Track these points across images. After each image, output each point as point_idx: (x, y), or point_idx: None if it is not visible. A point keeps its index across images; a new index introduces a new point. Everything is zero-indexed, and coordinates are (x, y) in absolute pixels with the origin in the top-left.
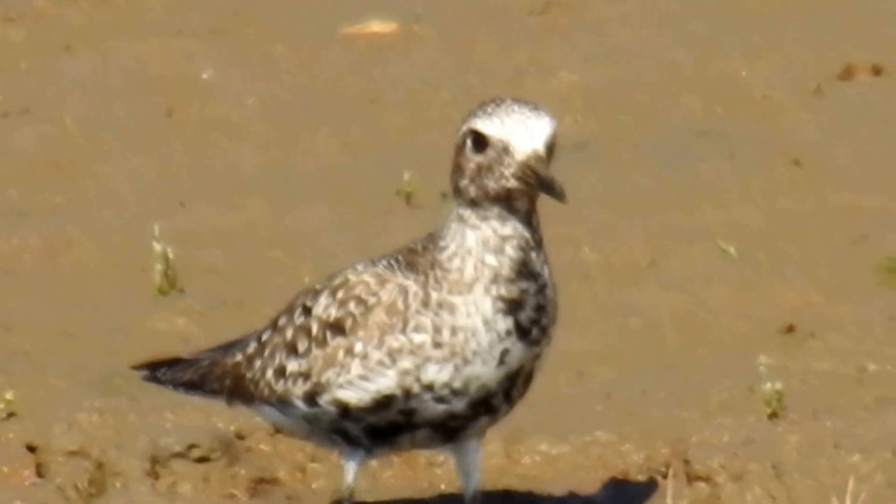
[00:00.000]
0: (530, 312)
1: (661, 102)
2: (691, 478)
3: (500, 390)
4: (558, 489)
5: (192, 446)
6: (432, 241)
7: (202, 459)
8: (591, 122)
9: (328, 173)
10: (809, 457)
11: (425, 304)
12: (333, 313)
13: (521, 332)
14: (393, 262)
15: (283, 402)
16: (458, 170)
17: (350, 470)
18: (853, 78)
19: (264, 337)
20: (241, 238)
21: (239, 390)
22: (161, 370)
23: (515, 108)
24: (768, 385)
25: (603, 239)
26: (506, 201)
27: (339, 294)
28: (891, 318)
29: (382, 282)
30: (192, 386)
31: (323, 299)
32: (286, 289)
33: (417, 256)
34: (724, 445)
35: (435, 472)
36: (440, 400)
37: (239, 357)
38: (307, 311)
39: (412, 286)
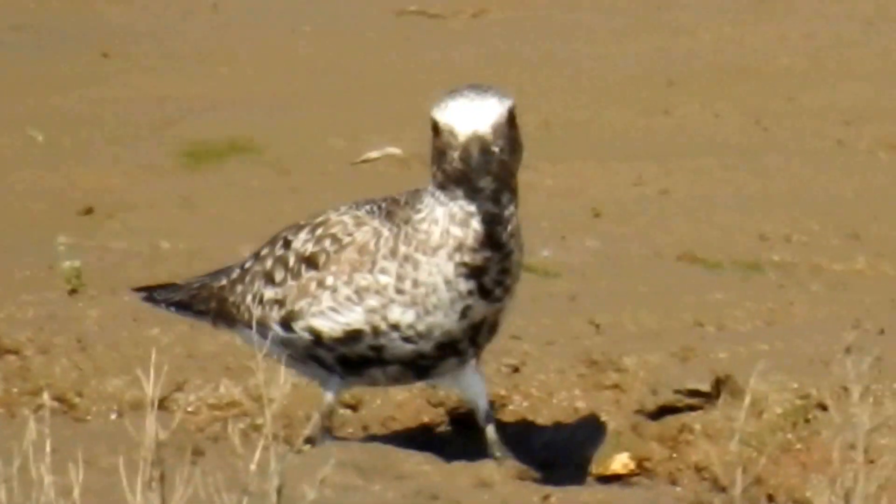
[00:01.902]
0: (494, 276)
1: None
2: (2, 351)
3: (465, 337)
4: None
5: None
6: (413, 199)
7: None
8: None
9: None
10: (111, 330)
11: (393, 253)
12: (310, 248)
13: (484, 292)
14: (375, 208)
15: (261, 326)
16: (431, 156)
17: (328, 397)
18: None
19: (247, 265)
20: None
21: (222, 313)
22: (157, 291)
23: (464, 92)
24: (67, 263)
25: None
26: (466, 182)
27: (318, 231)
28: (185, 199)
29: (359, 224)
30: (182, 306)
31: (303, 235)
32: None
33: (398, 208)
34: (30, 320)
35: None
36: (407, 340)
37: (224, 282)
38: (287, 244)
39: (385, 232)
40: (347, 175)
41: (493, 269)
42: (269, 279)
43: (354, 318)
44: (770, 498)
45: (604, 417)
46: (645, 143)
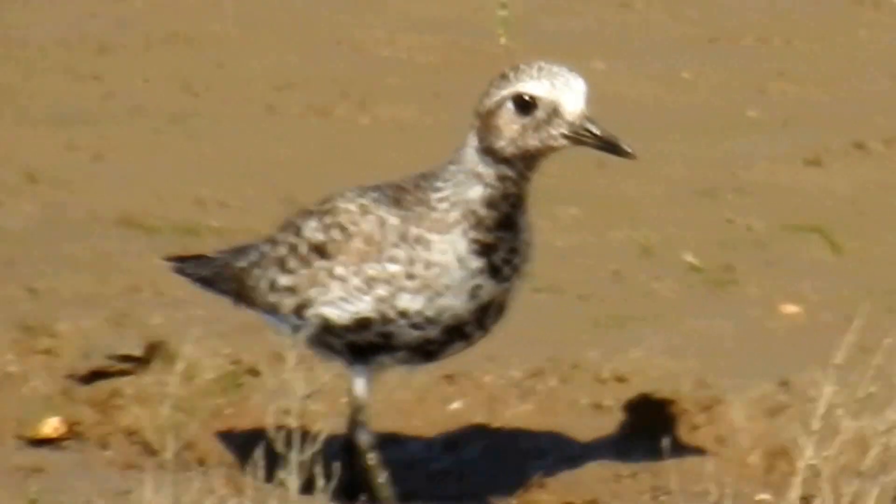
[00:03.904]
0: (503, 254)
1: None
2: None
3: (473, 319)
4: None
5: None
6: (426, 181)
7: None
8: None
9: None
10: None
11: (403, 237)
12: (319, 236)
13: (493, 270)
14: (382, 195)
15: (275, 312)
16: (494, 131)
17: (359, 386)
18: None
19: (264, 248)
20: None
21: (242, 295)
22: (188, 263)
23: (555, 70)
24: None
25: None
26: (534, 160)
27: (326, 219)
28: None
29: (364, 212)
30: (207, 282)
31: (312, 222)
32: None
33: (406, 193)
34: None
35: None
36: (415, 326)
37: (244, 263)
38: (297, 231)
39: (391, 219)
40: None
41: (502, 246)
42: (282, 266)
43: (363, 307)
44: (201, 462)
45: (35, 381)
46: (77, 108)
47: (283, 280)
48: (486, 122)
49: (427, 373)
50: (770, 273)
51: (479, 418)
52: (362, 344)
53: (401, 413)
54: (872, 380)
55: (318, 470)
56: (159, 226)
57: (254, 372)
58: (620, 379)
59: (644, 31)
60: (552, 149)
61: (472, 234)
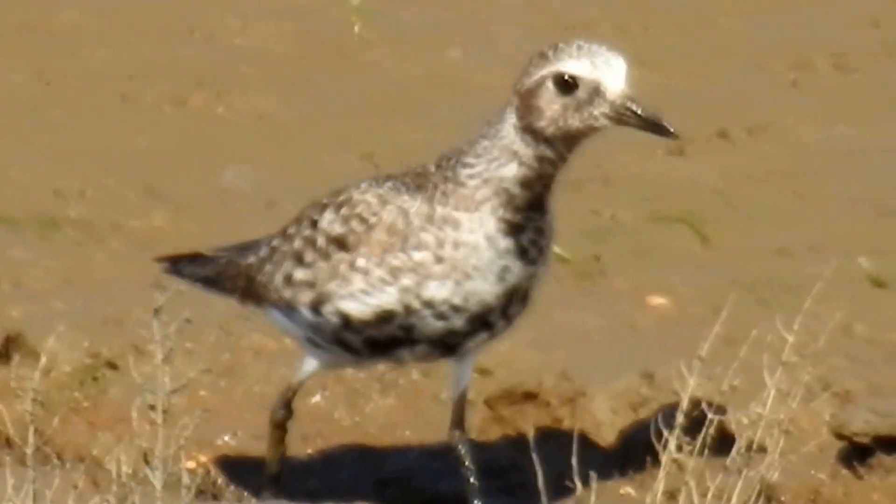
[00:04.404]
0: (531, 234)
1: None
2: None
3: (498, 307)
4: None
5: None
6: (453, 158)
7: None
8: None
9: None
10: None
11: (429, 219)
12: (337, 228)
13: (521, 251)
14: (400, 184)
15: (290, 308)
16: (535, 111)
17: (307, 370)
18: None
19: (275, 243)
20: None
21: (250, 292)
22: (182, 264)
23: (595, 48)
24: None
25: None
26: (576, 140)
27: (343, 211)
28: None
29: (383, 202)
30: (210, 282)
31: (328, 214)
32: None
33: (428, 176)
34: None
35: None
36: (440, 317)
37: (252, 260)
38: (314, 223)
39: (414, 205)
40: None
41: (530, 226)
42: (299, 260)
43: (387, 298)
44: (59, 457)
45: None
46: None
47: (300, 274)
48: (525, 101)
49: (286, 366)
50: (638, 265)
51: (339, 412)
52: (382, 339)
53: (261, 407)
54: (737, 372)
55: (184, 466)
56: (18, 217)
57: (112, 365)
58: (484, 372)
59: (500, 19)
60: (594, 129)
61: (501, 213)
